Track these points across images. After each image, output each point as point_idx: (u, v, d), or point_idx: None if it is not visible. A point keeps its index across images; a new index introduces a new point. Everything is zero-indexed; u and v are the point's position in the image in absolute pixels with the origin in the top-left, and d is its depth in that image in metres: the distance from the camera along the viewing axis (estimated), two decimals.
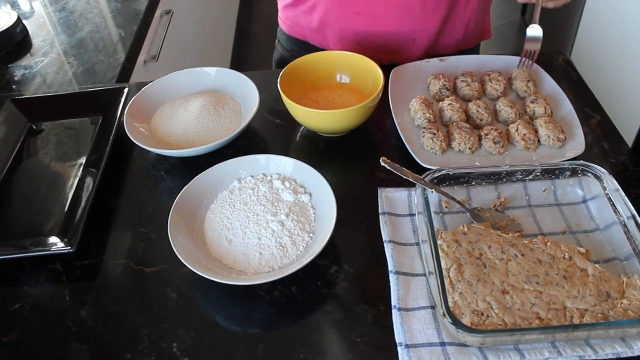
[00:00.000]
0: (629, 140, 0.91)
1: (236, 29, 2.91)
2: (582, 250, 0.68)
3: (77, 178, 0.86)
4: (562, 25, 2.28)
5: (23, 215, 0.82)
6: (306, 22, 1.07)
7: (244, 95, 0.93)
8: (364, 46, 0.93)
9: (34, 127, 0.97)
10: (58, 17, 1.37)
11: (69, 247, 0.73)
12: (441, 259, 0.66)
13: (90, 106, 0.97)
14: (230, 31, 2.82)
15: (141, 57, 1.30)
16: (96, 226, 0.79)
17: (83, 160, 0.89)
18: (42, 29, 1.33)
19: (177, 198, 0.74)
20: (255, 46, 2.96)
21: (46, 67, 1.19)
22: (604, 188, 0.72)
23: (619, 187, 0.71)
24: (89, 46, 1.24)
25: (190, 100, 0.92)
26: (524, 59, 0.95)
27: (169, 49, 1.53)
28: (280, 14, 1.15)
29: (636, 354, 0.60)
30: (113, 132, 0.88)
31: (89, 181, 0.83)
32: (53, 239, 0.76)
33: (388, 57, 0.98)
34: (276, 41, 1.21)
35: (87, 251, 0.76)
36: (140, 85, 1.01)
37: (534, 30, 0.93)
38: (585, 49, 2.12)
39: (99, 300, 0.71)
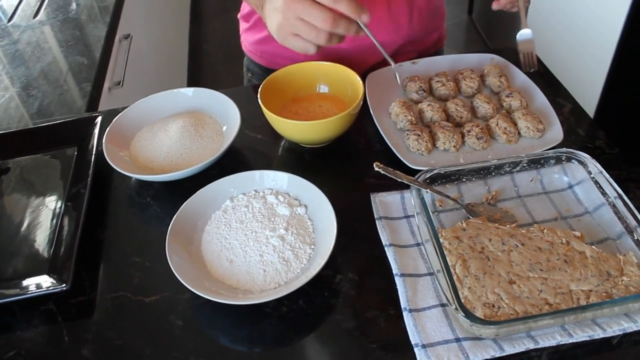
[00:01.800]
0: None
1: (189, 48, 2.89)
2: (577, 234, 0.70)
3: (59, 212, 0.83)
4: (509, 20, 2.35)
5: (5, 257, 0.78)
6: (290, 54, 1.04)
7: (223, 113, 0.92)
8: (352, 65, 0.92)
9: (5, 164, 0.93)
10: (14, 49, 1.33)
11: (64, 285, 0.70)
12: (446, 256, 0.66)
13: (63, 138, 0.94)
14: (184, 51, 2.79)
15: (105, 84, 1.27)
16: (86, 261, 0.77)
17: (63, 193, 0.86)
18: None
19: (172, 222, 0.73)
20: (208, 65, 2.94)
21: (8, 101, 1.15)
22: (589, 172, 0.74)
23: (603, 170, 0.73)
24: (51, 77, 1.21)
25: (168, 123, 0.91)
26: (525, 63, 0.94)
27: (132, 73, 1.50)
28: (250, 47, 1.12)
29: None
30: (92, 162, 0.86)
31: (72, 215, 0.81)
32: (43, 279, 0.73)
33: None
34: (247, 75, 1.18)
35: (81, 287, 0.74)
36: (111, 112, 0.99)
37: (523, 34, 0.92)
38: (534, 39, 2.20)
39: (100, 336, 0.68)
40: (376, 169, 0.74)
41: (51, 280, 0.73)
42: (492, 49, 1.07)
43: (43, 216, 0.83)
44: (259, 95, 0.86)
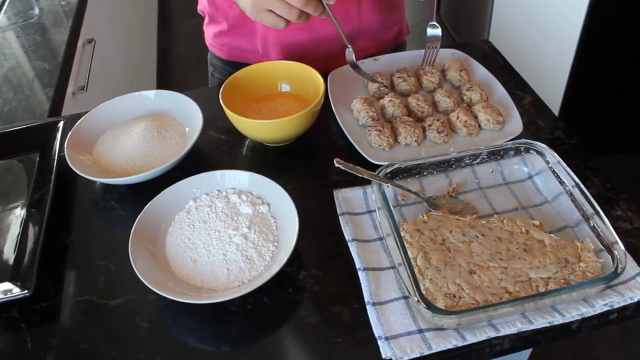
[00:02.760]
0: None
1: (158, 52, 2.87)
2: (537, 223, 0.71)
3: (21, 219, 0.82)
4: (476, 15, 2.39)
5: None
6: (248, 46, 1.06)
7: (186, 115, 0.91)
8: (308, 57, 0.93)
9: None
10: None
11: (26, 291, 0.69)
12: (407, 249, 0.67)
13: (25, 143, 0.93)
14: (152, 55, 2.77)
15: (69, 89, 1.25)
16: (50, 266, 0.76)
17: (26, 199, 0.85)
18: None
19: (134, 225, 0.72)
20: (178, 67, 2.93)
21: None
22: (547, 162, 0.76)
23: (561, 160, 0.75)
24: (13, 83, 1.19)
25: (131, 126, 0.90)
26: (427, 57, 0.97)
27: (97, 78, 1.49)
28: (211, 41, 1.13)
29: (598, 311, 0.64)
30: (55, 168, 0.85)
31: (35, 220, 0.80)
32: (6, 285, 0.72)
33: (333, 64, 0.99)
34: (210, 68, 1.19)
35: (45, 293, 0.73)
36: (75, 117, 0.98)
37: (434, 30, 0.95)
38: (500, 35, 2.24)
39: (65, 341, 0.68)
40: (337, 165, 0.74)
41: (14, 287, 0.72)
42: (459, 45, 1.08)
43: (6, 223, 0.82)
44: (220, 96, 0.86)
